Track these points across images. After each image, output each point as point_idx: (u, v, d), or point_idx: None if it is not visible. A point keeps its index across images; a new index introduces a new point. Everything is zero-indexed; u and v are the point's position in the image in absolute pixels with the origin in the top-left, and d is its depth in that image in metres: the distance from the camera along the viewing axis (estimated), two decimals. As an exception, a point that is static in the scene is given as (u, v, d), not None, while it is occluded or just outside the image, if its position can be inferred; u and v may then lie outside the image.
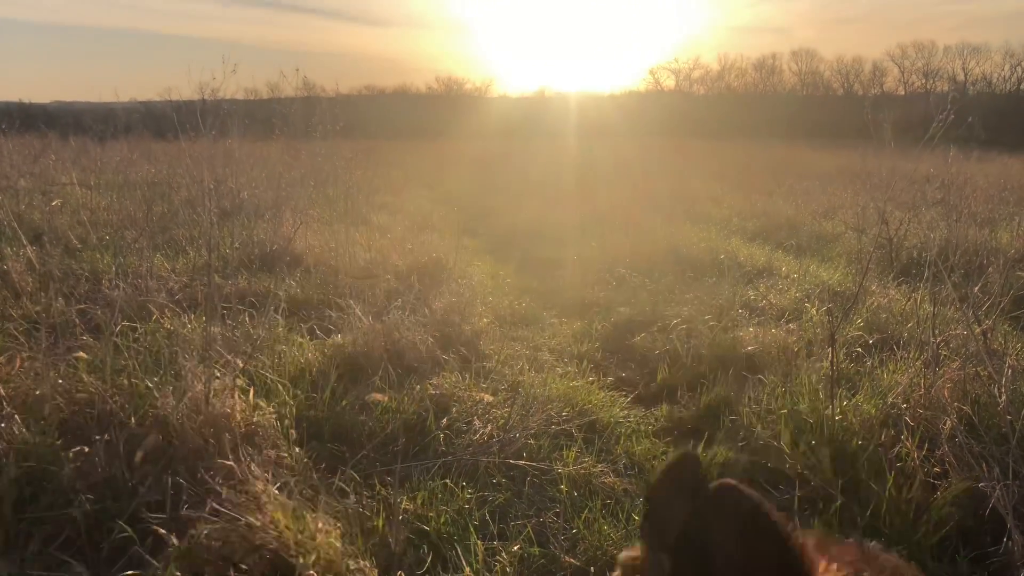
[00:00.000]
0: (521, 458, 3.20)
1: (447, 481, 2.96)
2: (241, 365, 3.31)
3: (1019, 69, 62.86)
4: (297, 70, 7.50)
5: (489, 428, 3.43)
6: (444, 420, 3.48)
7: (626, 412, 3.94)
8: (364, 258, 6.53)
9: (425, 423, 3.47)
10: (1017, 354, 4.06)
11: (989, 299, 4.01)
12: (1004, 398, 2.92)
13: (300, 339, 4.43)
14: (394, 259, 6.63)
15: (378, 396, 3.71)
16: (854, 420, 3.39)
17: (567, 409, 3.75)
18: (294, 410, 3.45)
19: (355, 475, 2.95)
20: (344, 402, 3.68)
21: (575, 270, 7.34)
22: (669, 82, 76.32)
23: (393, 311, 4.71)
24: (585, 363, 4.61)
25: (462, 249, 6.88)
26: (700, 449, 3.43)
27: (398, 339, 4.40)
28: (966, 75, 65.84)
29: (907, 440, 3.06)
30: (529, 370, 4.37)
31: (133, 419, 2.94)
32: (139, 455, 2.74)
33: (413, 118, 45.17)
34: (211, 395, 3.01)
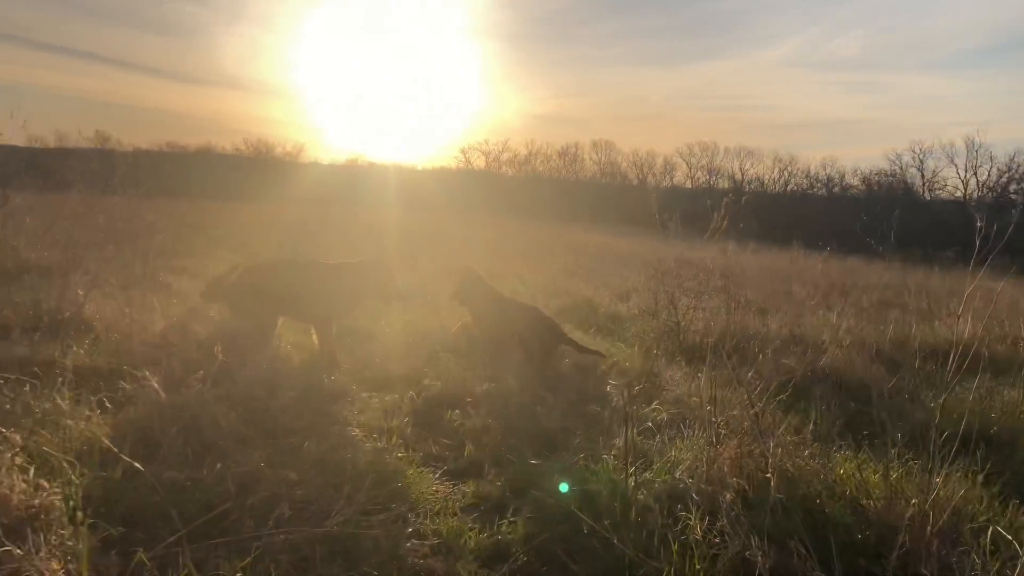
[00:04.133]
0: (331, 534, 3.15)
1: (249, 560, 2.85)
2: (20, 441, 3.04)
3: (786, 173, 71.81)
4: (97, 131, 7.16)
5: (296, 507, 3.35)
6: (249, 500, 3.36)
7: (435, 488, 3.99)
8: (161, 325, 6.18)
9: (226, 503, 3.32)
10: (783, 432, 4.54)
11: (761, 383, 4.48)
12: (773, 474, 3.29)
13: (89, 412, 4.10)
14: (193, 327, 6.33)
15: (176, 474, 3.52)
16: (645, 494, 3.66)
17: (378, 485, 3.74)
18: (79, 490, 3.18)
19: (145, 559, 2.77)
20: (136, 481, 3.44)
21: (385, 342, 7.34)
22: (479, 162, 79.17)
23: (193, 383, 4.48)
24: (395, 439, 4.61)
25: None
26: (505, 524, 3.55)
27: (198, 414, 4.19)
28: (743, 174, 73.88)
29: (692, 513, 3.35)
30: (338, 446, 4.31)
31: None
32: None
33: (219, 180, 43.40)
34: (-16, 476, 2.74)
